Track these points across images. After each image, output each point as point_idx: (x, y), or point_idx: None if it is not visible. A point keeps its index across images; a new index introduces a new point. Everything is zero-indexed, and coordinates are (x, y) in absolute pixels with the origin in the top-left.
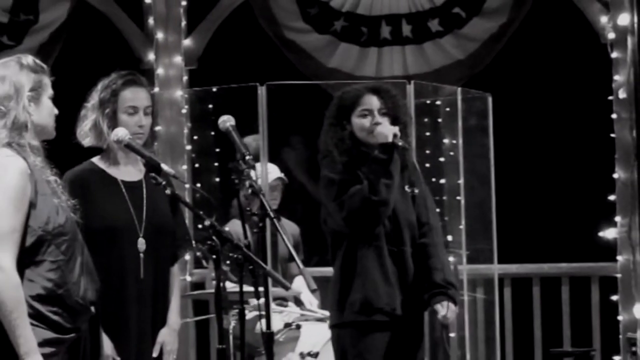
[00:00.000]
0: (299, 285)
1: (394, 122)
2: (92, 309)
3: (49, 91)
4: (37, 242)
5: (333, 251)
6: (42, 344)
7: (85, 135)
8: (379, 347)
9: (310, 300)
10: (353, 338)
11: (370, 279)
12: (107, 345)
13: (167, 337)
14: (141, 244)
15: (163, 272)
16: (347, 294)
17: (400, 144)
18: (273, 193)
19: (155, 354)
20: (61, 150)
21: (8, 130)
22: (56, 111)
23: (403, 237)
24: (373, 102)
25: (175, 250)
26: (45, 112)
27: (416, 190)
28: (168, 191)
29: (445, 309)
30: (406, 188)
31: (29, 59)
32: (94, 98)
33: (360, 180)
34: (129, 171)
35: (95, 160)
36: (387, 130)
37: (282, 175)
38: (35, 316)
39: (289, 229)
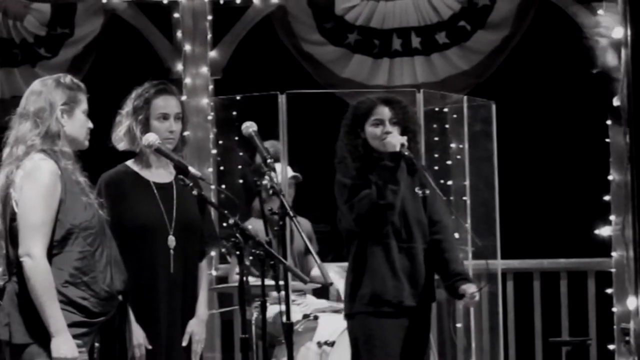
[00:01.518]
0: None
1: (403, 131)
2: (120, 297)
3: (83, 106)
4: (66, 235)
5: (347, 248)
6: (72, 325)
7: (119, 140)
8: (387, 335)
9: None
10: (363, 326)
11: (378, 274)
12: (139, 334)
13: (196, 327)
14: (171, 241)
15: (192, 267)
16: (358, 287)
17: (406, 153)
18: (288, 190)
19: (184, 343)
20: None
21: (42, 138)
22: (90, 125)
23: (413, 234)
24: (385, 112)
25: (203, 247)
26: (77, 125)
27: (427, 192)
28: (195, 192)
29: (471, 289)
30: (416, 190)
31: (67, 78)
32: (128, 105)
33: (371, 184)
34: (161, 173)
35: (129, 163)
36: (395, 140)
37: (296, 174)
38: (66, 301)
39: (302, 225)
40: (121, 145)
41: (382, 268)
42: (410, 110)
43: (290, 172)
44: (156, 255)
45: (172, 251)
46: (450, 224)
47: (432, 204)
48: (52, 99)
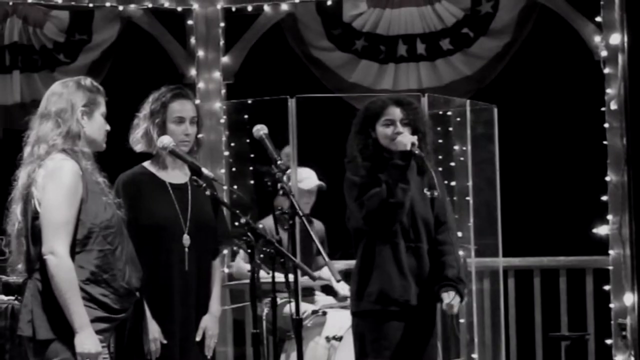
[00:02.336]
0: (328, 275)
1: (414, 132)
2: (137, 294)
3: (102, 109)
4: (87, 234)
5: (355, 246)
6: (94, 320)
7: (137, 142)
8: (394, 334)
9: (343, 287)
10: (370, 325)
11: (386, 273)
12: (155, 329)
13: (209, 323)
14: (186, 239)
15: (205, 265)
16: (366, 286)
17: (417, 152)
18: (310, 197)
19: (198, 338)
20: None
21: (63, 138)
22: (108, 127)
23: (420, 234)
24: (396, 112)
25: (216, 246)
26: (96, 127)
27: (435, 193)
28: (208, 192)
29: (449, 299)
30: (425, 191)
31: (87, 81)
32: (146, 109)
33: (381, 183)
34: (176, 174)
35: (146, 164)
36: (406, 140)
37: (321, 183)
38: (88, 298)
39: (316, 226)
40: (138, 147)
41: (390, 267)
42: (421, 112)
43: (315, 181)
44: (171, 253)
45: (186, 249)
46: (455, 227)
47: (440, 205)
48: (73, 100)
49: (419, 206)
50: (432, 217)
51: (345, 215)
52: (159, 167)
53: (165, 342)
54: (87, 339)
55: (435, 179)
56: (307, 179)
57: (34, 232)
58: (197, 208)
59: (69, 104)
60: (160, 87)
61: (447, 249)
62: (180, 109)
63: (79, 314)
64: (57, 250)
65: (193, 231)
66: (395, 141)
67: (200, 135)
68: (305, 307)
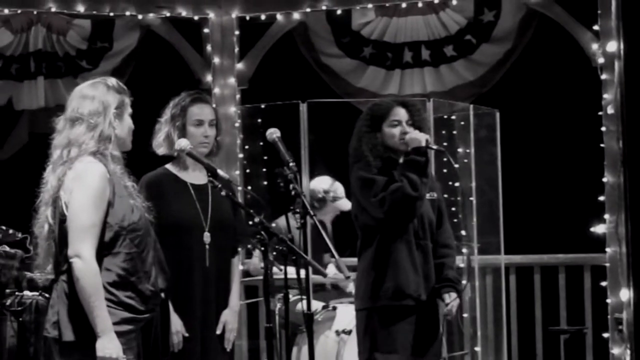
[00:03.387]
0: (334, 272)
1: (420, 132)
2: (162, 295)
3: (129, 109)
4: (114, 237)
5: (363, 243)
6: (119, 322)
7: (159, 145)
8: (407, 329)
9: (345, 285)
10: (383, 320)
11: (402, 269)
12: (177, 323)
13: (229, 317)
14: (206, 237)
15: (225, 261)
16: (381, 282)
17: (435, 147)
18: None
19: (218, 332)
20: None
21: (95, 141)
22: (133, 127)
23: (426, 232)
24: (402, 113)
25: (235, 244)
26: (126, 127)
27: (434, 195)
28: (223, 192)
29: (450, 299)
30: (427, 195)
31: (113, 81)
32: (167, 114)
33: (394, 180)
34: (197, 175)
35: (168, 166)
36: (420, 136)
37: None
38: (114, 300)
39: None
40: (160, 150)
41: (405, 263)
42: (424, 113)
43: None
44: (193, 250)
45: (207, 246)
46: (450, 228)
47: (440, 207)
48: (106, 103)
49: (425, 205)
50: (434, 216)
51: (351, 214)
52: (180, 168)
53: (187, 335)
54: (109, 344)
55: (435, 183)
56: (343, 198)
57: (61, 235)
58: (216, 207)
59: (102, 107)
60: (179, 92)
61: (447, 251)
62: (199, 112)
63: (102, 318)
64: (83, 253)
65: (213, 229)
66: (406, 139)
67: (218, 138)
68: (316, 303)
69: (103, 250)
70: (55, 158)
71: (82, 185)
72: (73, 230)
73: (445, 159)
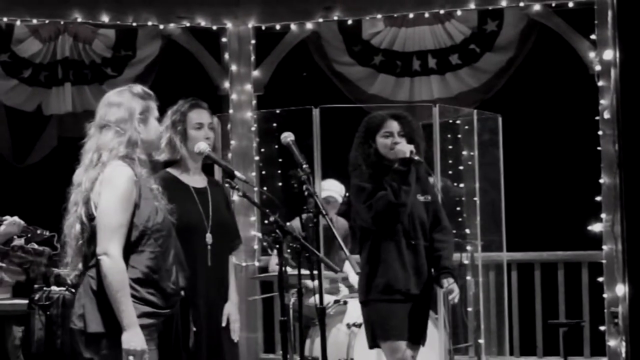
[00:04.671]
0: (346, 269)
1: (409, 142)
2: (182, 293)
3: (155, 113)
4: (139, 236)
5: (360, 243)
6: (141, 316)
7: (161, 151)
8: (398, 316)
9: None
10: (378, 310)
11: (391, 267)
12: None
13: (231, 309)
14: (209, 238)
15: (224, 260)
16: (373, 278)
17: (416, 158)
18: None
19: (223, 324)
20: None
21: (124, 147)
22: (161, 129)
23: (417, 233)
24: (394, 125)
25: (231, 244)
26: (152, 131)
27: (428, 197)
28: (240, 193)
29: (448, 284)
30: (418, 197)
31: (138, 88)
32: (166, 121)
33: (384, 187)
34: (197, 179)
35: (170, 169)
36: (405, 148)
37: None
38: (136, 296)
39: (341, 224)
40: (163, 156)
41: (394, 262)
42: (415, 124)
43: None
44: (196, 250)
45: (209, 247)
46: (450, 227)
47: (437, 208)
48: (131, 109)
49: (415, 208)
50: (426, 218)
51: (351, 217)
52: (181, 171)
53: (194, 329)
54: (134, 337)
55: (431, 183)
56: (326, 190)
57: (90, 233)
58: (216, 209)
59: (128, 113)
60: (198, 98)
61: (443, 245)
62: (198, 116)
63: (128, 312)
64: (110, 251)
65: (214, 230)
66: (394, 150)
67: (232, 142)
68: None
69: (130, 249)
70: (87, 162)
71: (111, 188)
72: (102, 230)
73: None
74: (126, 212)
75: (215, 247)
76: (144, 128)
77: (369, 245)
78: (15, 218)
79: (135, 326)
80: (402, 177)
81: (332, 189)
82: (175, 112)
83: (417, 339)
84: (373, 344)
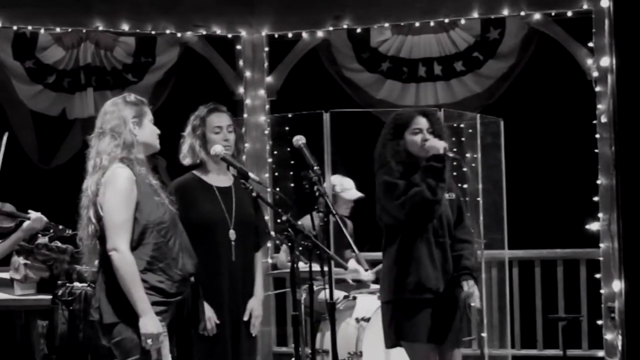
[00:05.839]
0: (351, 265)
1: (438, 139)
2: (192, 279)
3: (149, 116)
4: (142, 230)
5: (386, 242)
6: (152, 304)
7: (184, 156)
8: (427, 319)
9: (368, 275)
10: (407, 312)
11: (422, 265)
12: (209, 310)
13: (255, 304)
14: (232, 234)
15: (249, 255)
16: (404, 277)
17: (451, 155)
18: (350, 204)
19: (245, 319)
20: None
21: (121, 149)
22: (158, 131)
23: (444, 231)
24: (423, 122)
25: (258, 240)
26: (147, 132)
27: (453, 196)
28: (254, 193)
29: (468, 287)
30: (446, 195)
31: (131, 97)
32: (188, 127)
33: (414, 184)
34: (221, 179)
35: (195, 171)
36: (439, 145)
37: (362, 195)
38: (146, 285)
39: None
40: (186, 160)
41: (425, 260)
42: (442, 122)
43: (358, 194)
44: (220, 246)
45: (233, 243)
46: (469, 225)
47: (459, 207)
48: (124, 116)
49: (443, 206)
50: (452, 216)
51: (376, 215)
52: (205, 172)
53: (218, 322)
54: (150, 322)
55: (454, 184)
56: (349, 190)
57: (101, 233)
58: (240, 207)
59: (121, 120)
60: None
61: (465, 245)
62: (217, 120)
63: (142, 300)
64: (119, 246)
65: (238, 227)
66: (426, 146)
67: (246, 145)
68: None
69: (134, 242)
70: (90, 168)
71: (113, 188)
72: (109, 228)
73: (458, 164)
74: (129, 209)
75: (239, 243)
76: (139, 130)
77: (397, 243)
78: (39, 214)
79: (150, 312)
80: (437, 174)
81: (354, 188)
82: (195, 118)
83: (443, 340)
84: (394, 343)
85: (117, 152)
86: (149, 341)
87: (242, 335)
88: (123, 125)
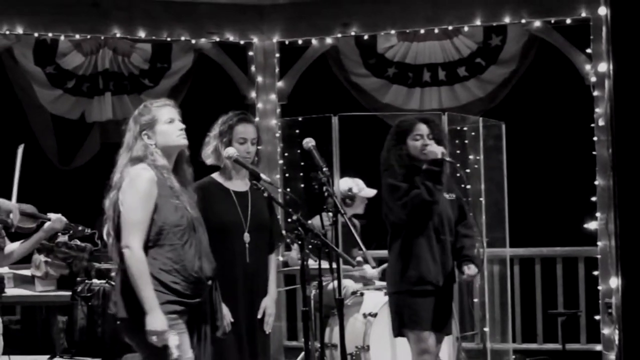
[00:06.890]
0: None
1: (438, 144)
2: (209, 282)
3: (162, 119)
4: (159, 231)
5: (392, 238)
6: (165, 303)
7: (208, 156)
8: (427, 308)
9: (373, 272)
10: (409, 301)
11: (423, 260)
12: (225, 308)
13: (269, 303)
14: (246, 237)
15: (263, 257)
16: (405, 270)
17: (447, 159)
18: (365, 202)
19: (259, 316)
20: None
21: (143, 152)
22: (180, 127)
23: (445, 228)
24: (424, 128)
25: (272, 242)
26: (161, 137)
27: (453, 196)
28: (266, 194)
29: (469, 270)
30: (444, 195)
31: (142, 108)
32: (215, 129)
33: (416, 186)
34: (239, 184)
35: (214, 175)
36: (437, 150)
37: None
38: (161, 285)
39: (354, 223)
40: (209, 160)
41: (426, 255)
42: (442, 129)
43: (373, 190)
44: (234, 248)
45: (247, 245)
46: (473, 222)
47: (461, 205)
48: (134, 132)
49: (443, 206)
50: (452, 215)
51: (382, 213)
52: (225, 177)
53: (232, 320)
54: (156, 319)
55: (454, 185)
56: (365, 188)
57: (118, 230)
58: (255, 211)
59: (132, 137)
60: (228, 107)
61: (466, 239)
62: (244, 131)
63: (149, 297)
64: (131, 244)
65: (252, 230)
66: (425, 151)
67: (259, 147)
68: (345, 284)
69: (150, 243)
70: (117, 167)
71: (133, 188)
72: (124, 226)
73: (454, 168)
74: (145, 210)
75: (254, 245)
76: (153, 136)
77: (400, 240)
78: (59, 215)
79: (156, 309)
80: (435, 177)
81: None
82: (224, 123)
83: (441, 329)
84: (398, 332)
85: (140, 155)
86: (154, 338)
87: (256, 333)
88: (147, 128)
